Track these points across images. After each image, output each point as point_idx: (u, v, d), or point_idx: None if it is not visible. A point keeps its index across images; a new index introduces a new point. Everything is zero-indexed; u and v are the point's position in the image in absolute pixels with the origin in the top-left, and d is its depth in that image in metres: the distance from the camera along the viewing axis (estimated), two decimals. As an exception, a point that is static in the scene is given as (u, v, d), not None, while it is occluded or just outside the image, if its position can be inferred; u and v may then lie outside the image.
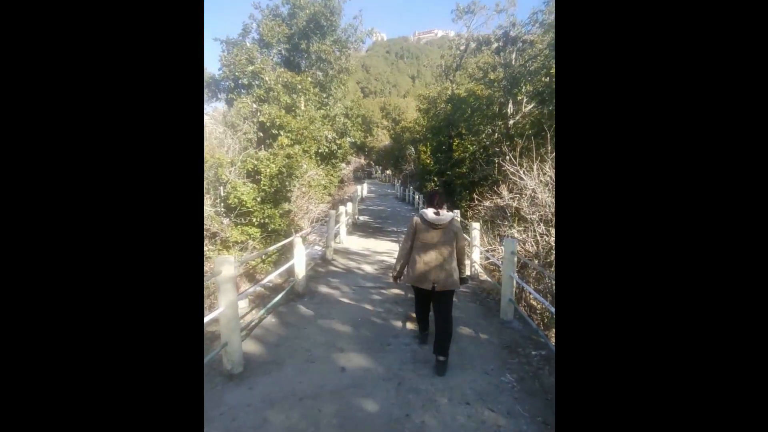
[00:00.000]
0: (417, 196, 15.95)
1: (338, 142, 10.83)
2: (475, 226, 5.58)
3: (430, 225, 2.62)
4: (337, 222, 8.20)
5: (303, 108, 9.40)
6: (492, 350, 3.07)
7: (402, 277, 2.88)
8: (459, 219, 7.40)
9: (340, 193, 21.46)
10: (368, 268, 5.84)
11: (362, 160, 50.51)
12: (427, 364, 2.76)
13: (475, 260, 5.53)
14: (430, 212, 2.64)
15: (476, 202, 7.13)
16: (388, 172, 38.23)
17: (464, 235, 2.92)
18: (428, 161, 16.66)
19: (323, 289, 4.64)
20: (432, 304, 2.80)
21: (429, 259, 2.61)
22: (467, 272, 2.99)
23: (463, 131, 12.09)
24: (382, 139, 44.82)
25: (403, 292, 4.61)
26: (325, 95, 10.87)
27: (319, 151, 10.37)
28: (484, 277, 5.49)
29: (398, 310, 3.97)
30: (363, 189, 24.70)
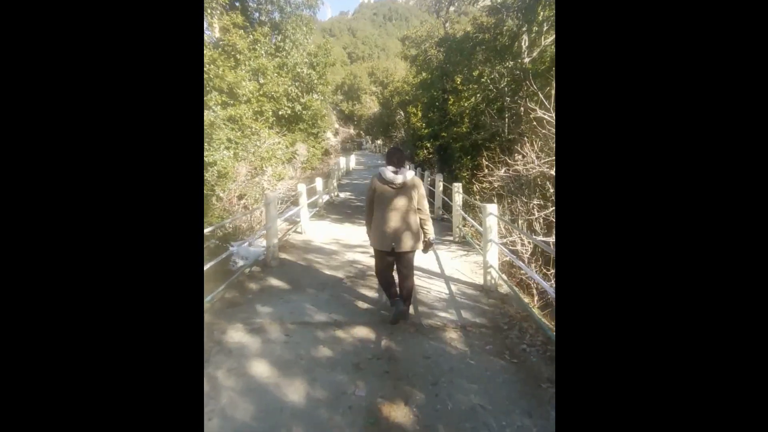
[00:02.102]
0: (407, 166, 13.82)
1: (303, 100, 8.48)
2: (491, 210, 3.54)
3: (389, 184, 2.50)
4: (295, 205, 6.16)
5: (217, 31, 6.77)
6: None
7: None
8: (461, 195, 5.37)
9: (323, 166, 19.33)
10: (330, 277, 3.85)
11: (351, 131, 48.02)
12: None
13: (492, 263, 3.53)
14: (388, 171, 2.51)
15: (485, 170, 5.04)
16: (379, 141, 35.70)
17: (426, 197, 2.70)
18: (419, 124, 14.38)
19: (234, 334, 2.64)
20: (395, 265, 2.69)
21: (389, 219, 2.51)
22: (431, 235, 2.70)
23: (460, 86, 9.79)
24: (371, 106, 42.12)
25: (373, 335, 2.65)
26: (279, 38, 8.32)
27: (280, 113, 8.08)
28: (504, 288, 3.53)
29: (355, 397, 1.99)
30: (350, 161, 22.50)
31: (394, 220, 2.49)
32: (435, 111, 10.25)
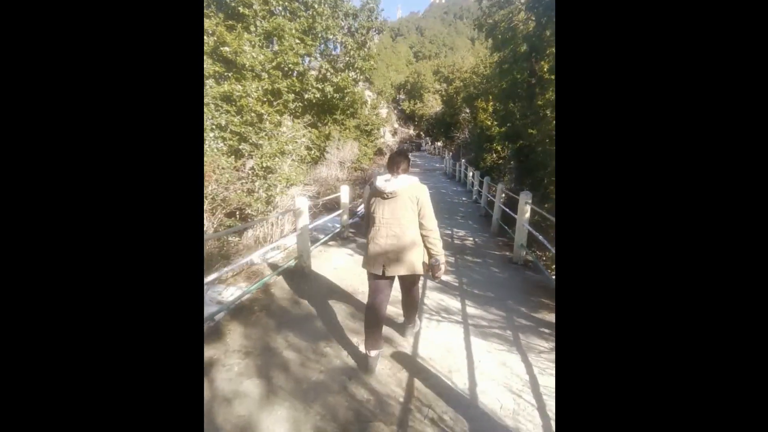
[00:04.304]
0: (471, 173, 11.22)
1: (336, 80, 6.32)
2: None
3: (380, 194, 2.08)
4: (292, 229, 4.08)
5: None
6: None
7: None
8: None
9: (375, 167, 17.43)
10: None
11: (411, 131, 46.14)
12: None
13: None
14: (380, 178, 2.09)
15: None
16: (439, 143, 33.07)
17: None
18: (488, 122, 11.65)
19: None
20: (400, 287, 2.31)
21: (379, 236, 2.07)
22: (440, 255, 2.09)
23: (546, 74, 7.05)
24: (433, 105, 39.75)
25: None
26: (308, -8, 6.17)
27: (306, 97, 6.08)
28: None
29: None
30: (404, 162, 20.33)
31: (384, 237, 2.05)
32: (517, 102, 7.52)
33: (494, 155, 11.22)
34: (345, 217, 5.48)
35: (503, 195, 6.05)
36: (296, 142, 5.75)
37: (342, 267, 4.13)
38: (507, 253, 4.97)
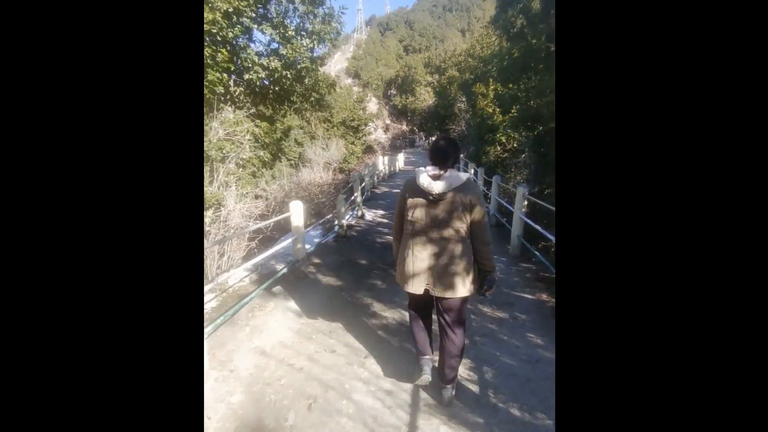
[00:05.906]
0: (472, 170, 9.54)
1: (288, 52, 4.62)
2: None
3: (424, 195, 1.62)
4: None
5: None
6: None
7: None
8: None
9: (361, 167, 15.71)
10: None
11: (404, 127, 44.50)
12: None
13: None
14: (423, 174, 1.61)
15: None
16: (433, 138, 31.45)
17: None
18: (490, 109, 9.94)
19: None
20: (435, 311, 1.81)
21: (421, 247, 1.65)
22: (494, 270, 1.70)
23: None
24: (425, 98, 38.08)
25: None
26: None
27: (246, 77, 4.34)
28: None
29: None
30: (398, 160, 18.66)
31: (429, 248, 1.64)
32: (534, 76, 5.79)
33: (498, 148, 9.50)
34: (299, 245, 3.76)
35: (525, 202, 4.35)
36: (233, 140, 4.04)
37: (283, 343, 2.40)
38: (545, 297, 3.26)
